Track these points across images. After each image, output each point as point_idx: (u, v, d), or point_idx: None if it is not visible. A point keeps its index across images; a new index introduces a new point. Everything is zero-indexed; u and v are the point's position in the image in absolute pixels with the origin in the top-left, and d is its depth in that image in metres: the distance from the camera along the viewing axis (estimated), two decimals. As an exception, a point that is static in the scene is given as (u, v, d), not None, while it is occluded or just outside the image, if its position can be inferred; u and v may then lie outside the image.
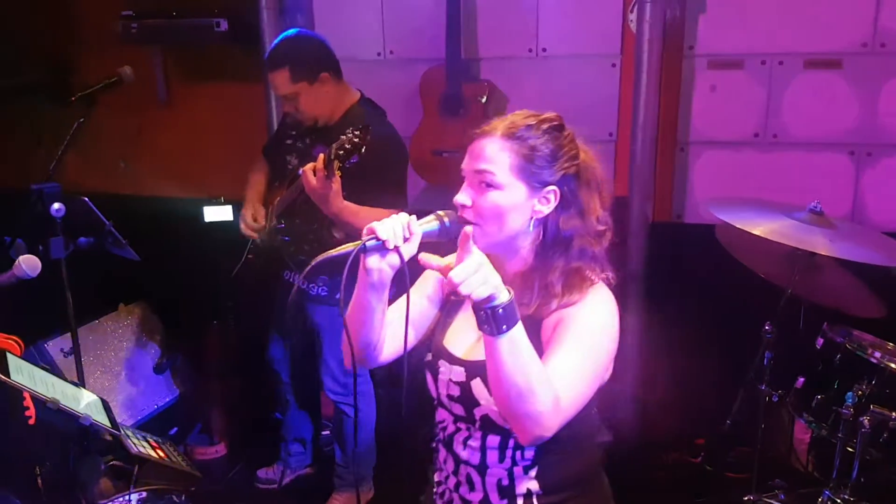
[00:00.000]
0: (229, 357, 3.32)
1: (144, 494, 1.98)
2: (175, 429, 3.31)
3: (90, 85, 2.51)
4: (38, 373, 1.66)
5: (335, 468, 2.90)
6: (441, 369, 1.40)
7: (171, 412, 3.40)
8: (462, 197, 1.35)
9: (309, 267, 1.26)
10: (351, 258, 1.21)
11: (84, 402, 1.60)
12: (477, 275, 1.13)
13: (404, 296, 1.31)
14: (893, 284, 2.25)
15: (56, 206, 2.23)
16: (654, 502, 2.75)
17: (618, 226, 1.42)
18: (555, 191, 1.34)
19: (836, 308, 2.31)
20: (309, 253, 2.67)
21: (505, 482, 1.41)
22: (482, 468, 1.41)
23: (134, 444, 1.66)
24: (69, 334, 3.17)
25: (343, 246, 1.24)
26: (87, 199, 2.30)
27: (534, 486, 1.40)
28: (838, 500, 2.13)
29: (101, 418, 1.59)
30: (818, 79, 2.79)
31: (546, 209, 1.35)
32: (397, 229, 1.24)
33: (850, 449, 2.09)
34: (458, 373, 1.37)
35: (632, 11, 2.87)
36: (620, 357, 1.38)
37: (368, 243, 1.24)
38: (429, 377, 1.44)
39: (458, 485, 1.44)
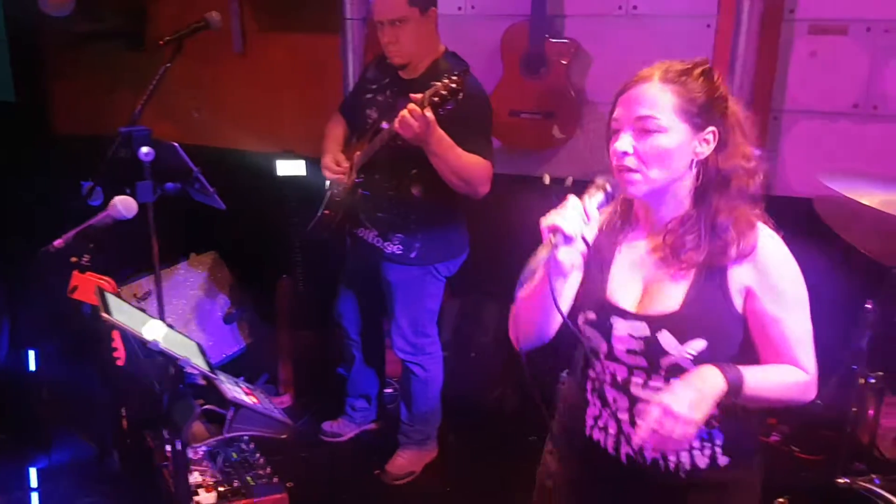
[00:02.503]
0: (298, 310, 3.33)
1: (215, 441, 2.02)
2: (241, 378, 3.35)
3: (176, 31, 2.48)
4: (136, 313, 1.66)
5: (400, 426, 2.90)
6: (616, 325, 1.42)
7: (237, 362, 3.45)
8: (623, 144, 1.34)
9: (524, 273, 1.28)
10: (548, 260, 1.28)
11: (181, 344, 1.60)
12: None
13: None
14: None
15: (144, 149, 2.22)
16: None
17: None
18: (714, 131, 1.35)
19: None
20: (388, 209, 2.64)
21: None
22: None
23: (228, 388, 1.68)
24: (140, 280, 3.23)
25: (538, 252, 1.27)
26: (176, 144, 2.29)
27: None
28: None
29: (199, 361, 1.58)
30: (928, 48, 2.63)
31: (706, 150, 1.36)
32: (578, 219, 1.29)
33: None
34: (640, 328, 1.39)
35: (731, -30, 2.74)
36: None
37: (558, 242, 1.28)
38: (594, 334, 1.45)
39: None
